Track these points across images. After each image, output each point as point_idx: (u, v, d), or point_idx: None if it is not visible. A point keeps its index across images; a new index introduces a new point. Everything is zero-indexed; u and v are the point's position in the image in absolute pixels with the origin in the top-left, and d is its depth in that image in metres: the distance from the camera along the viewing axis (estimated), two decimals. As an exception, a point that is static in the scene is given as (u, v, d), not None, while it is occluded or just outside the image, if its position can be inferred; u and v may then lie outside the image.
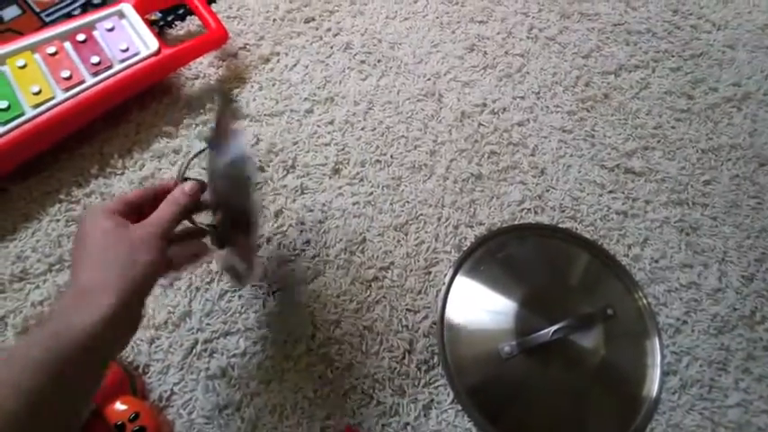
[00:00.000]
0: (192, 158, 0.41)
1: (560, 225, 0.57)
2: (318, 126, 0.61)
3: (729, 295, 0.54)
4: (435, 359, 0.49)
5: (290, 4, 0.70)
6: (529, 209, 0.57)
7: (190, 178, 0.40)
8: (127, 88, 0.57)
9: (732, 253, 0.56)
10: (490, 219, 0.56)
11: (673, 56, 0.69)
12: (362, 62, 0.66)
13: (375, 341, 0.50)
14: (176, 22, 0.68)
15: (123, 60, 0.56)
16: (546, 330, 0.47)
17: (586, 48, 0.69)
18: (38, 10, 0.68)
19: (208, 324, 0.50)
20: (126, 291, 0.31)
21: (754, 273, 0.55)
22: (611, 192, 0.59)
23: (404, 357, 0.49)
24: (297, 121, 0.61)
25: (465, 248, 0.55)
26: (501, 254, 0.55)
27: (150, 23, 0.60)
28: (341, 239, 0.54)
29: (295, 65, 0.65)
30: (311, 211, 0.56)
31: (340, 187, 0.57)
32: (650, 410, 0.48)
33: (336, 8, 0.70)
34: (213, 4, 0.68)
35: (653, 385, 0.49)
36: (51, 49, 0.55)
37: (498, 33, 0.69)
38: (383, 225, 0.56)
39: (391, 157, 0.60)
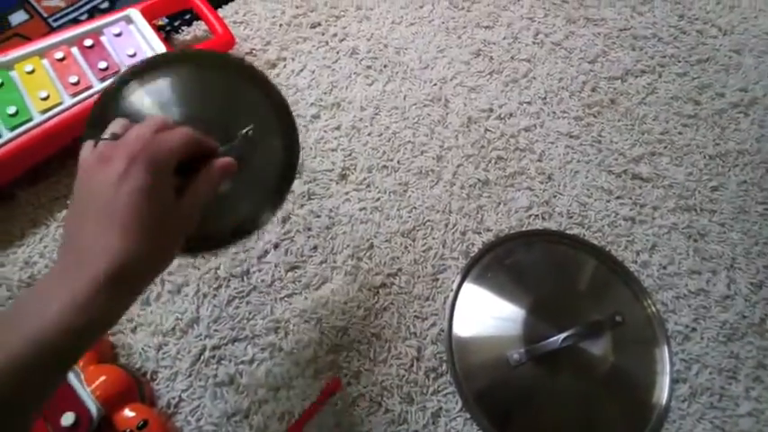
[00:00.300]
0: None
1: (568, 231, 0.57)
2: (325, 131, 0.61)
3: (738, 302, 0.53)
4: (444, 367, 0.49)
5: (296, 9, 0.70)
6: (536, 215, 0.57)
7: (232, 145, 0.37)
8: (134, 94, 0.57)
9: (740, 260, 0.56)
10: (498, 225, 0.56)
11: (679, 61, 0.69)
12: (369, 67, 0.66)
13: (383, 348, 0.50)
14: (183, 28, 0.68)
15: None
16: (555, 338, 0.47)
17: (593, 53, 0.69)
18: (45, 15, 0.69)
19: (216, 330, 0.49)
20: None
21: (762, 280, 0.55)
22: (618, 198, 0.59)
23: (412, 365, 0.49)
24: (303, 127, 0.61)
25: (472, 255, 0.54)
26: (508, 260, 0.54)
27: (157, 29, 0.60)
28: (348, 245, 0.54)
29: (301, 70, 0.65)
30: (318, 216, 0.56)
31: (347, 193, 0.57)
32: (660, 419, 0.48)
33: (342, 13, 0.70)
34: (220, 10, 0.69)
35: (662, 393, 0.49)
36: (59, 55, 0.56)
37: (504, 38, 0.69)
38: (390, 231, 0.55)
39: (398, 162, 0.60)
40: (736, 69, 0.69)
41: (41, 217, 0.54)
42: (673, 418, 0.48)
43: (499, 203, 0.58)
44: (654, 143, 0.63)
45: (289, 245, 0.54)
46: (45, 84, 0.54)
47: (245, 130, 0.38)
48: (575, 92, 0.66)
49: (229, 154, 0.37)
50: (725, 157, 0.62)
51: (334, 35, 0.68)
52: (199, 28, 0.68)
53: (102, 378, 0.42)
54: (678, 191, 0.59)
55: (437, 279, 0.53)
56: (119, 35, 0.58)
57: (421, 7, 0.72)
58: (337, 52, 0.67)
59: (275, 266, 0.53)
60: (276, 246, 0.54)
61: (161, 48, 0.57)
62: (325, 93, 0.64)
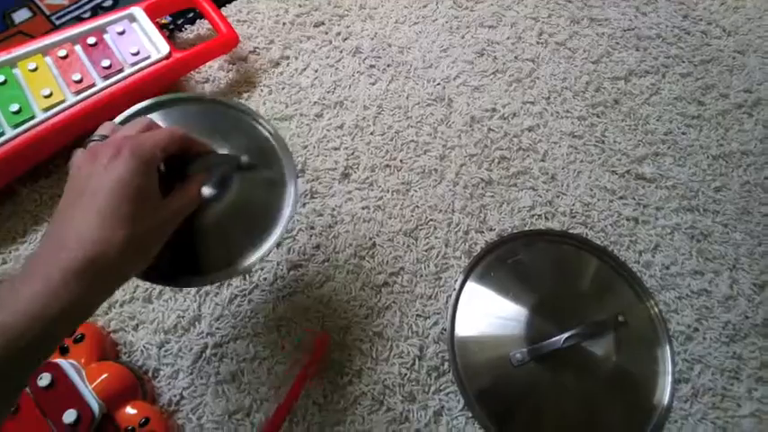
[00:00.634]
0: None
1: (571, 231, 0.56)
2: (328, 130, 0.61)
3: (741, 303, 0.53)
4: (446, 365, 0.49)
5: (299, 8, 0.70)
6: (539, 214, 0.57)
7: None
8: (137, 92, 0.56)
9: (743, 260, 0.56)
10: (500, 224, 0.56)
11: (683, 61, 0.69)
12: (372, 66, 0.66)
13: (385, 347, 0.50)
14: (186, 26, 0.68)
15: (134, 64, 0.56)
16: (558, 337, 0.47)
17: (596, 53, 0.69)
18: (48, 13, 0.69)
19: (217, 328, 0.49)
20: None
21: (766, 281, 0.54)
22: (621, 198, 0.59)
23: (414, 363, 0.49)
24: (306, 126, 0.61)
25: (475, 254, 0.54)
26: (511, 260, 0.54)
27: (161, 27, 0.60)
28: (351, 244, 0.54)
29: (305, 69, 0.65)
30: (321, 215, 0.56)
31: (350, 192, 0.57)
32: (662, 419, 0.48)
33: (346, 12, 0.70)
34: (223, 8, 0.69)
35: (664, 393, 0.49)
36: (62, 53, 0.56)
37: (508, 38, 0.69)
38: (393, 230, 0.55)
39: (401, 161, 0.60)
40: (740, 70, 0.68)
41: (44, 214, 0.54)
42: (674, 418, 0.48)
43: (502, 203, 0.58)
44: (657, 143, 0.62)
45: (291, 243, 0.54)
46: (48, 81, 0.54)
47: (245, 157, 0.39)
48: (578, 92, 0.65)
49: (224, 160, 0.37)
50: (728, 157, 0.62)
51: (338, 34, 0.68)
52: (202, 26, 0.68)
53: (104, 375, 0.42)
54: (681, 191, 0.59)
55: (439, 278, 0.53)
56: (122, 33, 0.58)
57: (424, 6, 0.72)
58: (341, 51, 0.67)
59: (277, 265, 0.53)
60: (278, 244, 0.54)
61: (164, 47, 0.57)
62: (328, 91, 0.64)
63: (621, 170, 0.60)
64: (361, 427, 0.46)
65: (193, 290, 0.51)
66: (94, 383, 0.42)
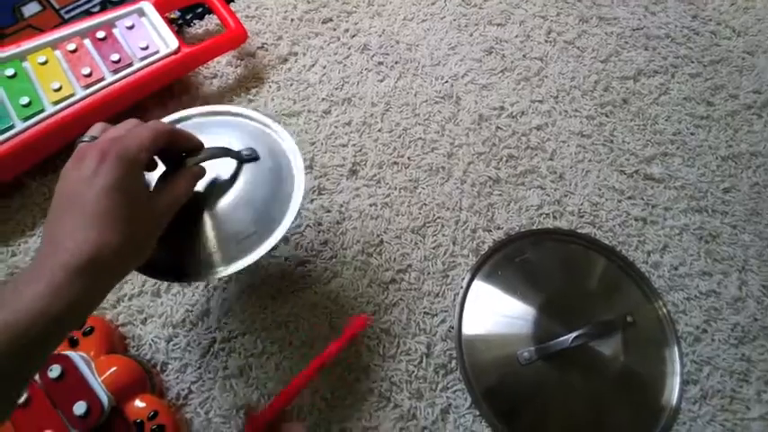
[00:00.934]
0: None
1: (579, 230, 0.56)
2: (336, 127, 0.61)
3: (750, 305, 0.53)
4: (453, 363, 0.49)
5: (308, 4, 0.70)
6: (547, 214, 0.57)
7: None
8: (146, 86, 0.57)
9: (752, 261, 0.55)
10: (508, 223, 0.56)
11: (692, 61, 0.69)
12: (380, 63, 0.66)
13: (392, 344, 0.50)
14: (195, 21, 0.68)
15: (143, 58, 0.56)
16: (566, 337, 0.47)
17: (605, 52, 0.68)
18: (57, 7, 0.69)
19: (225, 323, 0.49)
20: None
21: (774, 282, 0.54)
22: (630, 198, 0.58)
23: (421, 361, 0.49)
24: (314, 122, 0.61)
25: (483, 252, 0.54)
26: (519, 259, 0.54)
27: (170, 21, 0.60)
28: (358, 241, 0.54)
29: (313, 65, 0.65)
30: (329, 212, 0.56)
31: (357, 188, 0.57)
32: (670, 420, 0.47)
33: (354, 9, 0.70)
34: (232, 4, 0.68)
35: (672, 394, 0.48)
36: (71, 46, 0.56)
37: (516, 36, 0.69)
38: (400, 227, 0.55)
39: (408, 159, 0.59)
40: (749, 71, 0.68)
41: (53, 208, 0.54)
42: (683, 419, 0.48)
43: (510, 202, 0.57)
44: (666, 144, 0.62)
45: (299, 239, 0.54)
46: (58, 75, 0.54)
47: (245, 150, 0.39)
48: (587, 91, 0.65)
49: (223, 152, 0.37)
50: (737, 158, 0.62)
51: (346, 31, 0.68)
52: (211, 22, 0.68)
53: (113, 368, 0.42)
54: (690, 192, 0.59)
55: (447, 276, 0.53)
56: (131, 27, 0.58)
57: (433, 4, 0.71)
58: (349, 48, 0.67)
59: (285, 260, 0.53)
60: (286, 240, 0.54)
61: (173, 42, 0.57)
62: (336, 88, 0.64)
63: (630, 170, 0.60)
64: (368, 423, 0.46)
65: (201, 285, 0.51)
66: (104, 376, 0.42)
